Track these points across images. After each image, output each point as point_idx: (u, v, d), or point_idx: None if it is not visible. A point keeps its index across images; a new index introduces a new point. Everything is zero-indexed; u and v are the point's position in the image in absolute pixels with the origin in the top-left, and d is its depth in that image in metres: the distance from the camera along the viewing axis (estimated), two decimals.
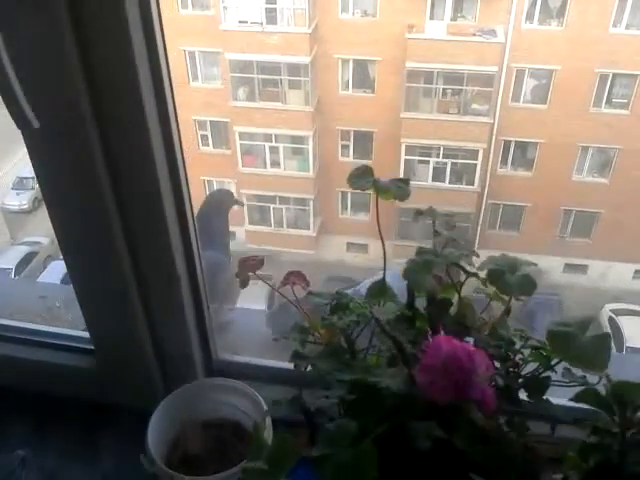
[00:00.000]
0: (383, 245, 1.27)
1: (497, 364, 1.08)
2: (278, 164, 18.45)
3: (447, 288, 1.15)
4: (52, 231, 1.29)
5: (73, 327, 1.60)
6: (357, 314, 1.15)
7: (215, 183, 19.71)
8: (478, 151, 17.34)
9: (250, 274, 1.30)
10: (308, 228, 19.17)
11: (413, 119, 17.25)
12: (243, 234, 19.47)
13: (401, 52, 16.63)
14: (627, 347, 15.29)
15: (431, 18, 16.77)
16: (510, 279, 1.07)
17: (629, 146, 16.72)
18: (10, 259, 15.90)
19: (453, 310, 1.14)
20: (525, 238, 18.52)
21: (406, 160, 17.81)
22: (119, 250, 1.30)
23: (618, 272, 17.80)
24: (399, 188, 1.13)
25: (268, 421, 1.26)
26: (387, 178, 1.14)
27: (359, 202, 19.33)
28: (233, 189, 19.49)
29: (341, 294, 1.20)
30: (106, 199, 1.23)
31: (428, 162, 17.80)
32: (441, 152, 17.56)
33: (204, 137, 19.00)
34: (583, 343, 0.99)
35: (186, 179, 1.36)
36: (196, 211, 1.37)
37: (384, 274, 1.20)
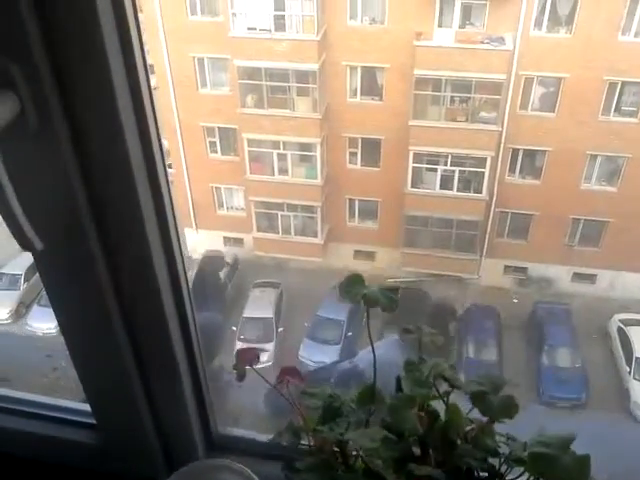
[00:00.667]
0: (371, 342, 1.28)
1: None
2: (286, 171, 18.48)
3: (434, 398, 1.17)
4: None
5: (78, 386, 1.61)
6: (349, 422, 1.17)
7: (223, 190, 19.78)
8: (486, 159, 17.30)
9: (247, 367, 1.32)
10: (316, 236, 19.17)
11: (421, 127, 17.24)
12: (251, 241, 19.52)
13: (409, 59, 16.64)
14: (636, 358, 15.22)
15: (439, 26, 16.78)
16: (493, 401, 1.09)
17: (638, 154, 16.67)
18: (20, 265, 16.02)
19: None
20: (533, 247, 18.46)
21: (414, 168, 17.79)
22: (120, 342, 1.33)
23: (627, 281, 17.71)
24: (388, 299, 1.15)
25: None
26: (377, 287, 1.17)
27: (367, 209, 19.34)
28: (241, 196, 19.56)
29: (333, 397, 1.21)
30: (108, 300, 1.25)
31: (436, 170, 17.77)
32: (449, 160, 17.53)
33: (212, 144, 19.06)
34: (564, 465, 1.00)
35: (187, 287, 1.36)
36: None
37: (374, 379, 1.20)
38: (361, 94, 17.92)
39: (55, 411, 1.69)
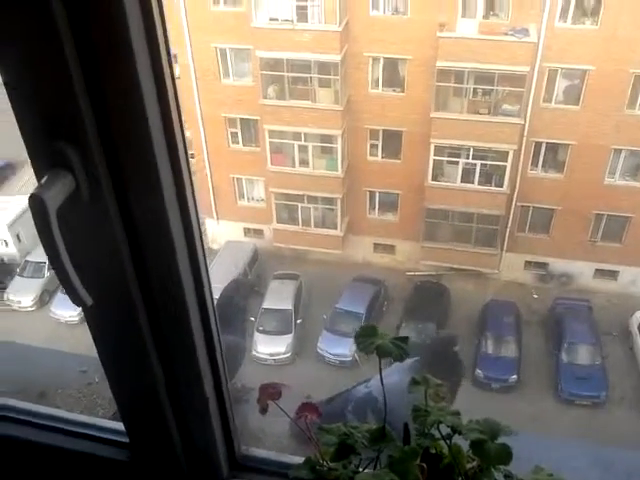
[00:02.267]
0: (381, 378, 1.32)
1: None
2: (307, 163, 18.50)
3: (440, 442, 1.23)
4: None
5: (111, 403, 1.69)
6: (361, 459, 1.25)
7: (244, 181, 19.86)
8: (508, 152, 17.18)
9: (269, 402, 1.37)
10: (335, 228, 19.20)
11: (443, 119, 17.14)
12: (271, 233, 19.60)
13: (432, 51, 16.53)
14: None
15: (463, 16, 16.62)
16: (490, 448, 1.16)
17: None
18: (44, 254, 16.21)
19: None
20: (555, 242, 18.33)
21: (435, 160, 17.73)
22: (153, 366, 1.40)
23: None
24: (399, 349, 1.23)
25: None
26: (389, 338, 1.24)
27: (387, 202, 19.31)
28: (262, 187, 19.63)
29: (347, 434, 1.26)
30: (144, 334, 1.34)
31: (457, 163, 17.69)
32: (470, 153, 17.43)
33: (234, 134, 19.12)
34: None
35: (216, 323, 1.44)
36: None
37: (384, 422, 1.26)
38: (383, 85, 17.86)
39: (89, 429, 1.77)
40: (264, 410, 1.39)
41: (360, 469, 1.26)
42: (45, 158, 1.03)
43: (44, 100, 1.00)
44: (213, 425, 1.55)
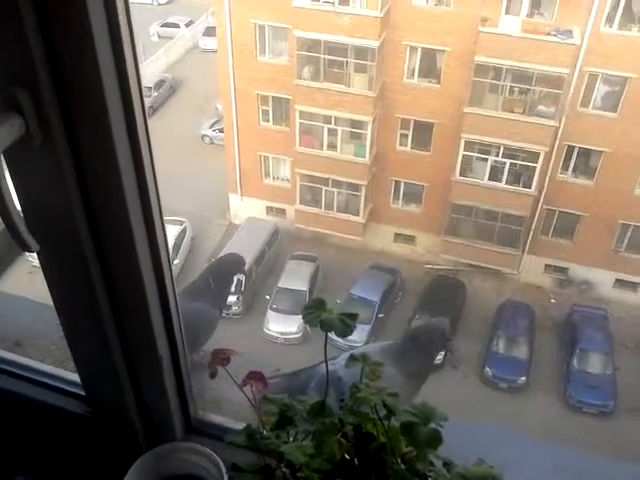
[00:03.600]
0: (326, 361, 1.31)
1: None
2: (335, 147, 18.43)
3: (374, 421, 1.22)
4: None
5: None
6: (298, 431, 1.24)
7: (271, 159, 19.87)
8: (539, 154, 16.95)
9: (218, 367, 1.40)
10: (358, 214, 19.14)
11: (476, 114, 16.95)
12: (293, 213, 19.61)
13: (471, 45, 16.33)
14: None
15: (507, 12, 16.38)
16: (420, 432, 1.15)
17: None
18: None
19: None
20: (578, 248, 18.08)
21: (464, 156, 17.56)
22: (104, 319, 1.41)
23: None
24: (344, 324, 1.20)
25: None
26: (337, 313, 1.22)
27: (412, 193, 19.19)
28: (288, 167, 19.61)
29: (288, 406, 1.26)
30: (97, 283, 1.35)
31: (486, 160, 17.51)
32: (501, 151, 17.23)
33: (265, 112, 19.11)
34: None
35: (168, 261, 1.43)
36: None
37: (325, 394, 1.25)
38: (418, 76, 17.70)
39: (55, 380, 1.80)
40: (213, 375, 1.42)
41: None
42: None
43: None
44: (166, 386, 1.55)
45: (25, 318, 2.16)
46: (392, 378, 1.67)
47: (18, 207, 1.11)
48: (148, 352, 1.47)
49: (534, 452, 1.76)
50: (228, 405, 1.79)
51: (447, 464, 1.20)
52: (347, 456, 1.20)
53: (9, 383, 1.80)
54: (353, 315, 1.22)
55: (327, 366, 1.31)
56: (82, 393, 1.71)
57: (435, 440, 1.15)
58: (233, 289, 14.69)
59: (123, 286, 1.35)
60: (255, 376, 1.39)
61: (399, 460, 1.20)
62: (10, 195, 1.04)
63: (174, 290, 1.46)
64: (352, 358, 1.27)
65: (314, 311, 1.24)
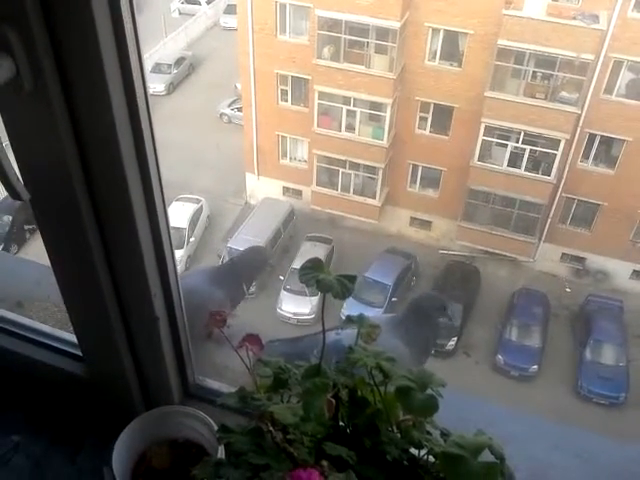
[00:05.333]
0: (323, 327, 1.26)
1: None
2: (353, 129, 18.30)
3: (371, 387, 1.19)
4: None
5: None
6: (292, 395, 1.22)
7: (289, 140, 19.80)
8: (560, 141, 16.72)
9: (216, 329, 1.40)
10: (374, 197, 19.05)
11: (497, 99, 16.73)
12: (309, 194, 19.57)
13: (495, 28, 16.07)
14: None
15: None
16: (415, 398, 1.10)
17: None
18: None
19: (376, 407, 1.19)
20: (595, 238, 17.89)
21: (484, 141, 17.37)
22: (100, 276, 1.39)
23: None
24: (342, 286, 1.15)
25: (221, 447, 1.33)
26: (336, 276, 1.17)
27: (429, 177, 19.05)
28: (305, 148, 19.53)
29: (283, 369, 1.24)
30: (93, 243, 1.32)
31: (506, 146, 17.30)
32: (521, 137, 17.02)
33: (284, 92, 19.00)
34: (473, 468, 1.00)
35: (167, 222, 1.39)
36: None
37: (321, 358, 1.21)
38: (440, 58, 17.47)
39: (50, 339, 1.80)
40: (209, 335, 1.47)
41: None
42: None
43: None
44: (163, 348, 1.54)
45: (29, 280, 2.16)
46: (395, 349, 1.63)
47: (11, 156, 1.09)
48: (144, 311, 1.44)
49: (534, 429, 1.72)
50: (231, 373, 1.77)
51: (445, 434, 1.15)
52: (341, 422, 1.17)
53: (8, 342, 1.80)
54: (352, 277, 1.18)
55: (324, 329, 1.27)
56: (81, 354, 1.70)
57: (430, 407, 1.10)
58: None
59: (117, 238, 1.32)
60: (252, 339, 1.37)
61: (394, 428, 1.17)
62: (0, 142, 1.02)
63: (171, 247, 1.42)
64: (348, 319, 1.23)
65: (311, 271, 1.18)
